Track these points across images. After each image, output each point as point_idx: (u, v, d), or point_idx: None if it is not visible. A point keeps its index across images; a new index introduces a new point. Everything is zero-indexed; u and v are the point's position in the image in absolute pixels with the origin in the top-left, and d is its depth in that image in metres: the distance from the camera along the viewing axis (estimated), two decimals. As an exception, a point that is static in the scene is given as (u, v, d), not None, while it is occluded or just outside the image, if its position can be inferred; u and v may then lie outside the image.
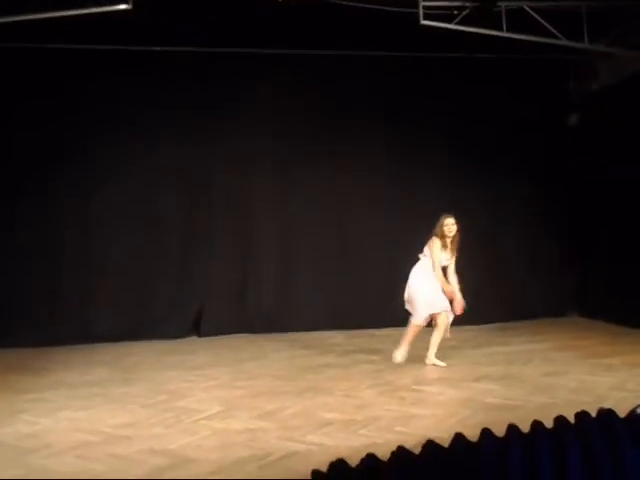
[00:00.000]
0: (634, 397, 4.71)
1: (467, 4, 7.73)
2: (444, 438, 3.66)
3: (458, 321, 6.70)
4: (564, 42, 8.18)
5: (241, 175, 9.07)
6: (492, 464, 2.53)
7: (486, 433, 2.88)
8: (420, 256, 6.52)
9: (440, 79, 9.28)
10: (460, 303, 6.41)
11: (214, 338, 8.54)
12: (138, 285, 8.63)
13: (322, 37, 8.33)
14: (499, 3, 7.77)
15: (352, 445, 3.98)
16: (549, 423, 3.46)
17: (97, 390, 5.70)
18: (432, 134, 9.35)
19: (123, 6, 7.08)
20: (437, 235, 6.40)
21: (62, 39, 7.93)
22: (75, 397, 5.44)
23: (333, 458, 3.40)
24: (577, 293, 9.77)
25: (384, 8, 7.52)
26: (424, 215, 7.22)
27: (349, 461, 3.15)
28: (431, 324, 6.58)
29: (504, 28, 7.88)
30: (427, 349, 6.54)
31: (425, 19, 7.70)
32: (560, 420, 3.07)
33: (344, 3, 7.38)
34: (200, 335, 8.71)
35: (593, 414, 3.37)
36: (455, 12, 7.80)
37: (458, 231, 6.44)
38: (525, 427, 3.43)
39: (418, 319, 6.42)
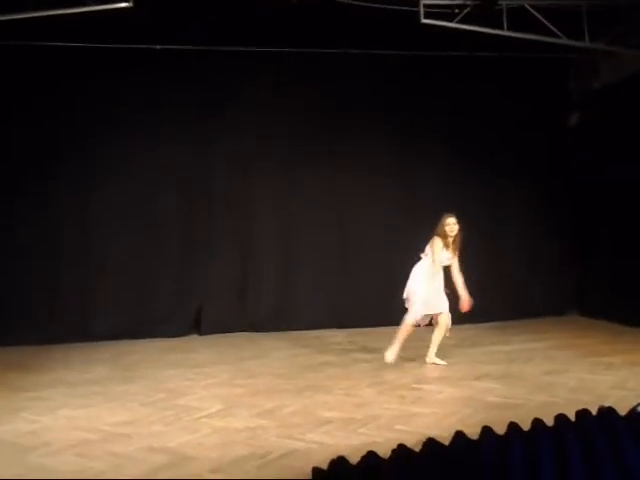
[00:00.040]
0: (634, 396, 4.70)
1: (468, 3, 7.71)
2: (444, 437, 3.66)
3: (458, 320, 6.70)
4: (565, 41, 8.17)
5: (241, 174, 9.06)
6: (493, 462, 2.53)
7: (487, 431, 2.88)
8: (422, 256, 6.52)
9: (441, 78, 9.26)
10: (466, 301, 6.39)
11: (214, 336, 8.54)
12: (138, 283, 8.62)
13: (323, 36, 8.31)
14: (500, 2, 7.74)
15: (352, 444, 3.98)
16: (550, 421, 3.45)
17: (96, 388, 5.70)
18: (432, 133, 9.34)
19: (124, 4, 7.06)
20: (439, 235, 6.41)
21: (62, 37, 7.91)
22: (74, 395, 5.44)
23: (332, 456, 3.39)
24: (577, 292, 9.76)
25: (385, 7, 7.50)
26: (425, 215, 7.22)
27: (349, 459, 3.15)
28: (431, 323, 6.57)
29: (505, 27, 7.86)
30: (427, 348, 6.54)
31: (426, 18, 7.68)
32: (561, 418, 3.06)
33: (345, 2, 7.36)
34: (201, 333, 8.71)
35: (590, 411, 3.37)
36: (456, 11, 7.79)
37: (460, 230, 6.44)
38: (526, 425, 3.43)
39: (411, 318, 6.42)
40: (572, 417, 3.46)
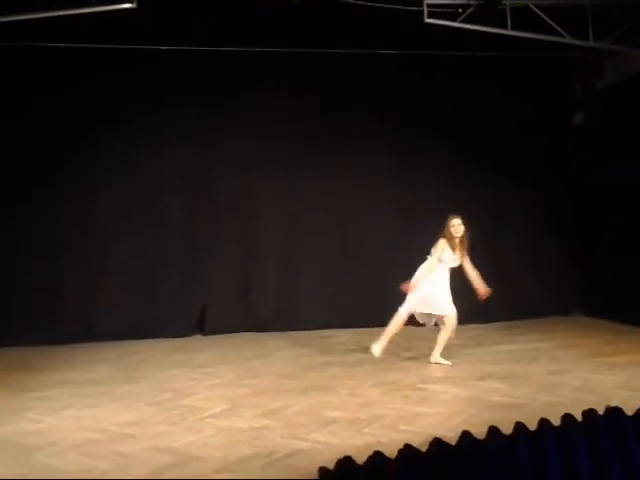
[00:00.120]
0: (639, 396, 4.70)
1: (471, 2, 7.70)
2: (449, 437, 3.66)
3: (463, 320, 6.70)
4: (569, 40, 8.15)
5: (244, 175, 9.05)
6: (500, 462, 2.52)
7: (493, 431, 2.87)
8: (428, 257, 6.52)
9: (444, 77, 9.24)
10: (483, 291, 6.47)
11: (218, 337, 8.54)
12: (142, 284, 8.62)
13: (326, 35, 8.30)
14: (504, 1, 7.73)
15: (356, 444, 3.97)
16: (555, 421, 3.45)
17: (101, 388, 5.70)
18: (435, 133, 9.32)
19: (127, 5, 7.07)
20: (445, 236, 6.42)
21: (65, 38, 7.91)
22: (79, 395, 5.44)
23: (338, 456, 3.40)
24: (582, 292, 9.74)
25: (388, 6, 7.50)
26: (427, 215, 7.23)
27: (355, 459, 3.15)
28: (437, 324, 6.58)
29: (509, 26, 7.85)
30: (432, 348, 6.54)
31: (429, 17, 7.67)
32: (567, 418, 3.05)
33: (348, 1, 7.36)
34: (204, 334, 8.71)
35: (597, 410, 3.36)
36: (459, 10, 7.78)
37: (466, 231, 6.46)
38: (531, 425, 3.42)
39: (404, 311, 6.47)
40: (577, 417, 3.46)
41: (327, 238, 9.15)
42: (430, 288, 6.42)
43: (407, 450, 2.78)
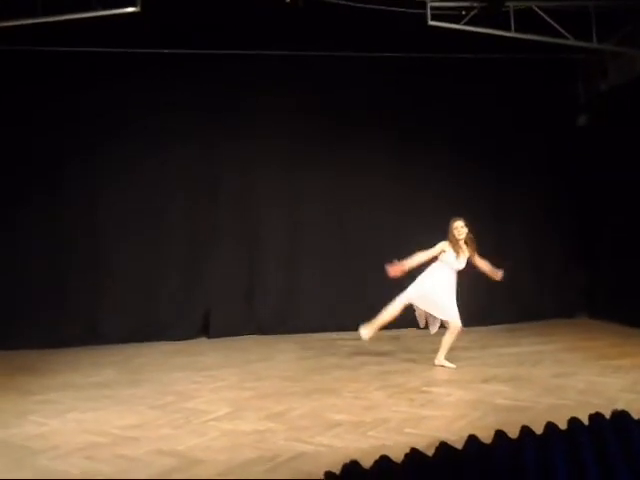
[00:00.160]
0: (645, 399, 4.68)
1: (475, 4, 7.71)
2: (454, 440, 3.64)
3: (467, 322, 6.68)
4: (572, 42, 8.15)
5: (246, 178, 9.06)
6: (506, 466, 2.51)
7: (500, 435, 2.85)
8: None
9: (447, 79, 9.23)
10: (497, 275, 6.59)
11: (221, 339, 8.54)
12: (145, 287, 8.63)
13: (329, 38, 8.32)
14: (507, 3, 7.74)
15: (361, 447, 3.96)
16: (561, 424, 3.43)
17: (105, 391, 5.69)
18: (437, 135, 9.32)
19: (131, 9, 7.08)
20: (449, 239, 6.43)
21: (66, 42, 7.92)
22: (83, 398, 5.43)
23: (342, 459, 3.38)
24: (586, 294, 9.72)
25: (391, 9, 7.50)
26: (430, 217, 7.20)
27: (361, 463, 3.13)
28: (444, 326, 6.57)
29: (512, 28, 7.86)
30: (436, 351, 6.53)
31: (433, 20, 7.69)
32: (574, 422, 3.04)
33: (351, 4, 7.37)
34: (209, 336, 8.70)
35: (603, 414, 3.34)
36: (463, 12, 7.79)
37: (469, 233, 6.45)
38: (536, 428, 3.40)
39: (403, 298, 6.48)
40: (582, 420, 3.44)
41: (328, 239, 9.15)
42: (431, 287, 6.43)
43: (413, 454, 2.76)
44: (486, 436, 3.42)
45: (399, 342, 8.06)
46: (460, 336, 6.58)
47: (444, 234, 6.50)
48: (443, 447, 2.76)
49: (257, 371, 6.53)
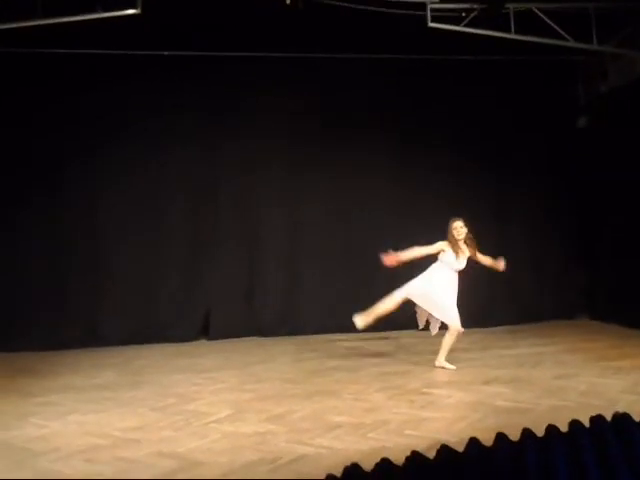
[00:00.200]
0: (646, 400, 4.68)
1: (475, 6, 7.72)
2: (454, 442, 3.64)
3: (467, 324, 6.68)
4: (572, 43, 8.16)
5: (247, 178, 9.06)
6: (507, 468, 2.51)
7: (501, 438, 2.85)
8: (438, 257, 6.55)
9: (447, 81, 9.25)
10: (499, 266, 6.62)
11: (222, 341, 8.54)
12: (146, 288, 8.64)
13: (329, 40, 8.32)
14: (507, 5, 7.75)
15: (361, 449, 3.96)
16: (560, 426, 3.43)
17: (105, 393, 5.69)
18: (438, 136, 9.33)
19: (131, 11, 7.08)
20: (448, 240, 6.44)
21: (66, 45, 7.94)
22: (83, 400, 5.43)
23: (342, 461, 3.38)
24: (587, 296, 9.72)
25: (392, 11, 7.51)
26: (431, 218, 7.21)
27: (361, 464, 3.13)
28: (445, 327, 6.57)
29: (512, 30, 7.86)
30: (436, 352, 6.53)
31: (433, 21, 7.69)
32: (575, 424, 3.04)
33: (351, 6, 7.37)
34: (209, 338, 8.70)
35: (604, 416, 3.34)
36: (463, 14, 7.80)
37: (469, 233, 6.46)
38: (536, 430, 3.40)
39: (401, 292, 6.49)
40: (583, 421, 3.44)
41: (329, 240, 9.15)
42: (432, 286, 6.45)
43: (414, 457, 2.76)
44: (486, 438, 3.42)
45: (399, 344, 8.06)
46: (460, 337, 6.59)
47: (444, 234, 6.52)
48: (444, 450, 2.76)
49: (257, 373, 6.53)
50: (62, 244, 8.46)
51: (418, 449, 3.40)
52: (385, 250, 7.66)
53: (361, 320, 6.55)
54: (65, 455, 4.01)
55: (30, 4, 6.94)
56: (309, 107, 9.01)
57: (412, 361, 6.91)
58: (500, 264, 6.63)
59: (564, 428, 3.38)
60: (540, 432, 3.31)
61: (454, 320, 6.42)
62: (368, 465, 3.19)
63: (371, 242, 9.11)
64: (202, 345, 8.51)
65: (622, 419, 3.05)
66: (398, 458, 3.22)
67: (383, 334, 8.59)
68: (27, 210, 8.34)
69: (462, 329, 6.46)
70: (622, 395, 5.10)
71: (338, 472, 3.10)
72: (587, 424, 3.28)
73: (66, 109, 8.52)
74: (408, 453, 3.22)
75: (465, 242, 6.50)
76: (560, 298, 9.59)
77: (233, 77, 8.89)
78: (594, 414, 3.51)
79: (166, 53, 8.39)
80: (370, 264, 9.07)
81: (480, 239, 6.73)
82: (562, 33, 7.97)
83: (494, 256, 6.73)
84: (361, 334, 8.57)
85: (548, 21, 7.85)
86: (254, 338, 8.74)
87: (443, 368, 6.43)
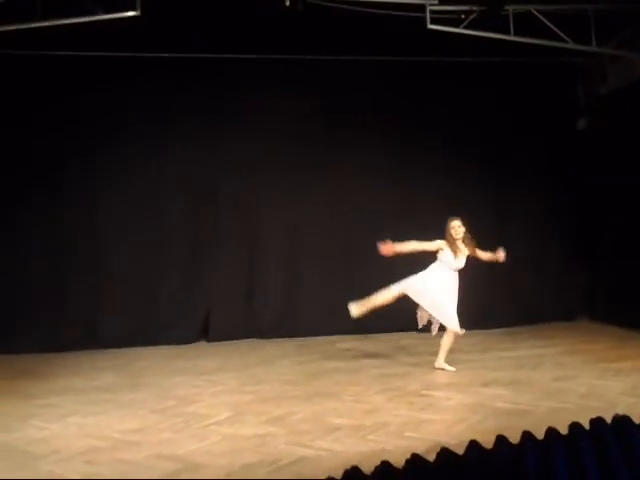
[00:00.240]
0: (645, 402, 4.69)
1: (474, 8, 7.72)
2: (454, 444, 3.65)
3: (467, 326, 6.68)
4: (572, 45, 8.16)
5: (247, 180, 9.07)
6: (508, 471, 2.51)
7: (501, 440, 2.86)
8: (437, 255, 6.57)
9: (447, 83, 9.25)
10: (499, 257, 6.62)
11: (222, 343, 8.53)
12: (146, 289, 8.64)
13: (329, 42, 8.32)
14: (506, 7, 7.75)
15: (361, 450, 3.97)
16: (560, 428, 3.43)
17: (105, 396, 5.69)
18: (438, 138, 9.33)
19: (131, 13, 7.09)
20: (446, 239, 6.45)
21: (67, 46, 7.95)
22: (83, 402, 5.44)
23: (342, 463, 3.39)
24: (587, 297, 9.72)
25: (391, 13, 7.51)
26: (431, 219, 7.21)
27: (360, 466, 3.14)
28: (444, 328, 6.58)
29: (511, 32, 7.86)
30: (436, 354, 6.54)
31: (432, 23, 7.68)
32: (575, 426, 3.04)
33: (351, 8, 7.38)
34: (208, 340, 8.70)
35: (604, 419, 3.34)
36: (462, 16, 7.79)
37: (466, 232, 6.47)
38: (536, 432, 3.41)
39: (398, 287, 6.50)
40: (582, 423, 3.45)
41: (329, 242, 9.15)
42: (431, 285, 6.45)
43: (414, 460, 2.77)
44: (486, 440, 3.43)
45: (399, 345, 8.06)
46: (459, 339, 6.60)
47: (443, 234, 6.53)
48: (444, 453, 2.77)
49: (257, 375, 6.53)
50: (62, 244, 8.47)
51: (418, 451, 3.41)
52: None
53: (356, 309, 6.58)
54: (65, 457, 4.02)
55: (30, 6, 6.94)
56: (309, 109, 9.01)
57: (412, 363, 6.91)
58: (500, 255, 6.64)
59: (564, 430, 3.39)
60: (540, 434, 3.32)
61: (451, 320, 6.42)
62: (368, 468, 3.20)
63: (371, 243, 9.11)
64: (202, 347, 8.50)
65: (622, 421, 3.05)
66: (398, 460, 3.22)
67: (382, 336, 8.61)
68: (27, 210, 8.34)
69: (460, 331, 6.46)
70: (622, 397, 5.10)
71: (338, 474, 3.11)
72: (587, 426, 3.29)
73: (66, 110, 8.53)
74: (408, 455, 3.23)
75: (463, 241, 6.50)
76: (560, 300, 9.59)
77: (233, 79, 8.89)
78: (594, 416, 3.52)
79: (165, 55, 8.40)
80: (370, 265, 9.10)
81: (480, 240, 6.73)
82: (561, 35, 7.96)
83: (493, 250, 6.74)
84: (360, 336, 8.63)
85: (547, 23, 7.85)
86: (254, 340, 8.74)
87: (443, 370, 6.44)
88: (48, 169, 8.43)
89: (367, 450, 3.96)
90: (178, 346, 8.35)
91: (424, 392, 5.57)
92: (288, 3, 7.15)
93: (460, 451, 3.08)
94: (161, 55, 8.40)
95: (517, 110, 9.51)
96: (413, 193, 9.29)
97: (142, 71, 8.55)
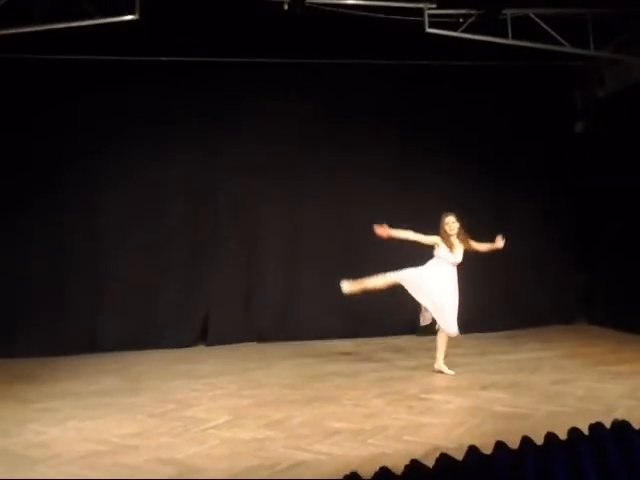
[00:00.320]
0: (644, 405, 4.69)
1: (472, 12, 7.73)
2: (453, 447, 3.65)
3: (465, 329, 6.68)
4: (569, 49, 8.17)
5: (246, 183, 9.06)
6: (507, 477, 2.51)
7: (500, 446, 2.86)
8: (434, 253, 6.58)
9: (445, 86, 9.26)
10: (496, 245, 6.67)
11: (221, 347, 8.52)
12: (145, 292, 8.63)
13: (328, 46, 8.33)
14: (504, 11, 7.76)
15: (360, 454, 3.97)
16: (559, 431, 3.43)
17: (104, 400, 5.68)
18: (437, 141, 9.34)
19: (129, 17, 7.09)
20: (440, 235, 6.46)
21: (65, 50, 7.93)
22: (82, 407, 5.43)
23: (342, 467, 3.39)
24: (585, 300, 9.73)
25: (390, 17, 7.52)
26: (430, 220, 7.21)
27: (359, 471, 3.14)
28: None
29: (509, 35, 7.87)
30: (434, 358, 6.54)
31: (430, 27, 7.69)
32: (574, 432, 3.04)
33: (349, 12, 7.39)
34: (207, 344, 8.70)
35: (603, 422, 3.35)
36: (460, 20, 7.80)
37: (461, 228, 6.49)
38: (535, 436, 3.41)
39: (393, 275, 6.51)
40: (581, 426, 3.44)
41: (329, 245, 9.14)
42: (429, 280, 6.45)
43: (414, 465, 2.77)
44: (485, 444, 3.43)
45: (398, 349, 8.06)
46: (458, 342, 6.59)
47: (437, 229, 6.55)
48: (443, 458, 2.77)
49: (256, 379, 6.53)
50: (61, 247, 8.44)
51: (417, 455, 3.41)
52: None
53: (348, 286, 6.60)
54: (65, 461, 4.01)
55: (29, 10, 6.94)
56: (308, 112, 9.02)
57: (411, 366, 6.91)
58: (498, 244, 6.66)
59: (563, 433, 3.39)
60: (539, 438, 3.32)
61: (447, 322, 6.39)
62: (367, 472, 3.19)
63: (371, 246, 9.12)
64: (201, 350, 8.50)
65: (621, 426, 3.05)
66: (397, 464, 3.22)
67: (382, 339, 8.61)
68: (27, 213, 8.32)
69: (453, 333, 6.44)
70: (621, 400, 5.11)
71: (338, 478, 3.11)
72: (586, 430, 3.29)
73: (66, 113, 8.51)
74: (407, 459, 3.22)
75: (458, 237, 6.50)
76: (558, 303, 9.59)
77: (233, 82, 8.91)
78: (593, 419, 3.52)
79: (164, 59, 8.41)
80: (370, 268, 9.07)
81: (480, 241, 6.75)
82: (559, 39, 7.98)
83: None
84: (360, 339, 8.63)
85: (545, 27, 7.86)
86: (253, 343, 8.73)
87: (442, 372, 6.43)
88: (48, 172, 8.42)
89: (366, 454, 3.96)
90: (177, 350, 8.34)
91: (423, 396, 5.57)
92: (287, 7, 7.17)
93: (459, 455, 3.08)
94: (160, 58, 8.42)
95: (515, 113, 9.53)
96: (413, 194, 9.29)
97: (141, 74, 8.56)
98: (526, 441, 2.97)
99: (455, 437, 4.24)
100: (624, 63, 8.74)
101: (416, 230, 7.53)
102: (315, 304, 8.97)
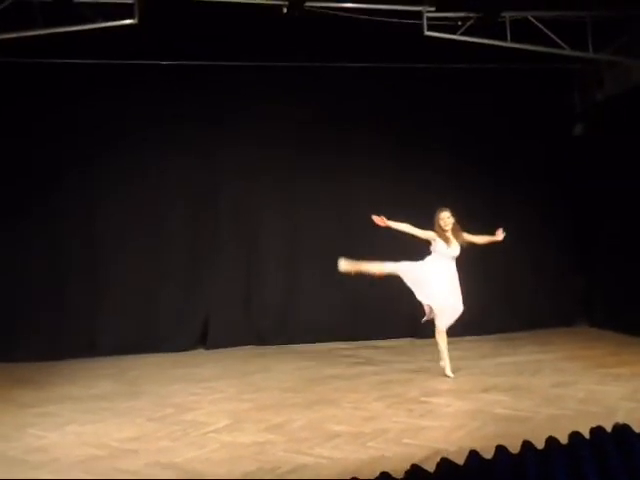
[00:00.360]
0: (645, 408, 4.68)
1: (471, 15, 7.74)
2: (453, 451, 3.65)
3: (465, 331, 6.69)
4: (568, 52, 8.17)
5: (247, 186, 9.06)
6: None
7: (500, 450, 2.85)
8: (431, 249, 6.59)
9: (444, 89, 9.26)
10: (495, 238, 6.70)
11: (220, 350, 8.51)
12: (145, 297, 8.62)
13: (328, 49, 8.33)
14: (503, 13, 7.77)
15: (361, 458, 3.96)
16: (560, 434, 3.42)
17: (103, 404, 5.68)
18: (436, 144, 9.33)
19: (129, 21, 7.09)
20: (435, 230, 6.48)
21: (64, 54, 7.94)
22: (81, 411, 5.42)
23: (342, 470, 3.39)
24: (585, 303, 9.72)
25: (388, 20, 7.53)
26: (430, 221, 7.21)
27: (358, 475, 3.13)
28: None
29: (508, 38, 7.88)
30: (433, 362, 6.53)
31: (429, 30, 7.70)
32: (575, 435, 3.03)
33: (348, 15, 7.40)
34: (207, 347, 8.69)
35: (604, 425, 3.34)
36: (459, 23, 7.81)
37: (456, 223, 6.51)
38: (536, 439, 3.39)
39: (394, 266, 6.54)
40: (582, 429, 3.43)
41: (328, 247, 9.11)
42: (422, 271, 6.47)
43: (414, 470, 2.75)
44: (485, 446, 3.41)
45: (398, 351, 8.06)
46: (457, 344, 6.57)
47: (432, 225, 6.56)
48: (444, 463, 2.76)
49: (256, 382, 6.52)
50: (62, 252, 8.45)
51: (417, 458, 3.40)
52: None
53: (345, 265, 6.59)
54: (64, 466, 4.00)
55: (30, 14, 6.94)
56: (308, 114, 9.01)
57: (411, 369, 6.90)
58: (498, 235, 6.68)
59: (563, 436, 3.37)
60: (540, 441, 3.30)
61: (435, 302, 6.40)
62: (367, 475, 3.18)
63: (373, 250, 9.11)
64: (200, 354, 8.49)
65: (622, 430, 3.04)
66: (397, 468, 3.21)
67: (382, 342, 8.60)
68: (26, 220, 8.31)
69: (440, 327, 6.43)
70: (621, 402, 5.10)
71: (338, 482, 3.10)
72: (587, 433, 3.28)
73: (64, 119, 8.51)
74: (407, 462, 3.22)
75: (452, 232, 6.51)
76: (558, 305, 9.58)
77: (232, 85, 8.90)
78: (593, 422, 3.51)
79: (163, 63, 8.42)
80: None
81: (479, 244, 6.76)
82: (558, 41, 7.98)
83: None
84: (359, 342, 8.62)
85: (544, 29, 7.87)
86: (252, 347, 8.72)
87: (444, 374, 6.41)
88: (47, 178, 8.41)
89: (367, 457, 3.95)
90: (177, 353, 8.33)
91: (423, 399, 5.56)
92: (285, 10, 7.17)
93: (460, 459, 3.07)
94: (160, 63, 8.42)
95: (514, 116, 9.53)
96: (412, 195, 9.28)
97: (141, 79, 8.56)
98: (527, 445, 2.96)
99: (455, 440, 4.23)
100: (623, 66, 8.74)
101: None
102: (315, 307, 8.96)
